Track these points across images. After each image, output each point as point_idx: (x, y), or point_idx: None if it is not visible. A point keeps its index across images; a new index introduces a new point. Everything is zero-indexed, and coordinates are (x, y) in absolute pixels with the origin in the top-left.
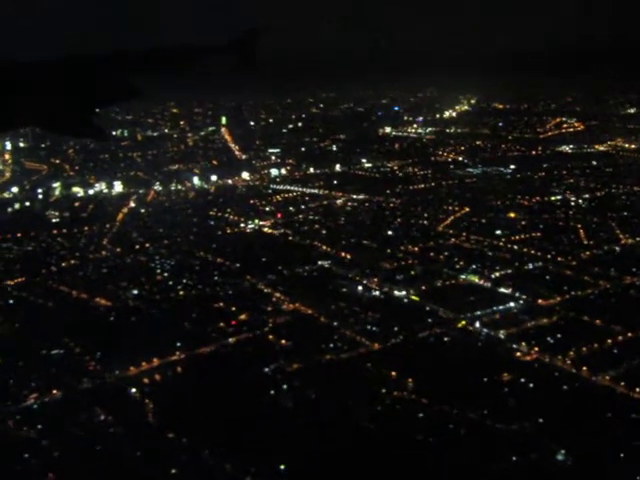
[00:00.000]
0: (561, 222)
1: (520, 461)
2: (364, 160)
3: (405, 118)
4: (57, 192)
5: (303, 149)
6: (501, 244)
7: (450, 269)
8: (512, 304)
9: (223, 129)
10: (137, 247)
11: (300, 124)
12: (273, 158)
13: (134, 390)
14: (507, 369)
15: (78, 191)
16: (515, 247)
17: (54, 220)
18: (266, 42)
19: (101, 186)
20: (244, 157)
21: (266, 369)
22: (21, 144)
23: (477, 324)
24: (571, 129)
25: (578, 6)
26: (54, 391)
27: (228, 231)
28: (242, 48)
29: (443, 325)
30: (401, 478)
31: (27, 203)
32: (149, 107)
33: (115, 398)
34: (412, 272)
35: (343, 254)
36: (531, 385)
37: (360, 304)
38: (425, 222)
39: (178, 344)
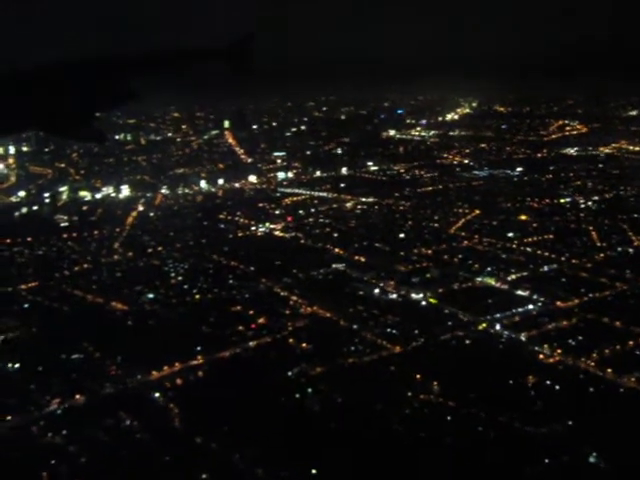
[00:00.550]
0: (572, 224)
1: (553, 464)
2: (370, 163)
3: (408, 121)
4: (64, 196)
5: (308, 152)
6: (514, 246)
7: (465, 272)
8: (531, 306)
9: (226, 133)
10: (149, 251)
11: (303, 127)
12: (279, 161)
13: (157, 395)
14: (531, 371)
15: (85, 195)
16: (528, 249)
17: (63, 224)
18: (263, 46)
19: (108, 190)
20: (249, 160)
21: (289, 373)
22: (24, 148)
23: (497, 327)
24: (574, 132)
25: (577, 7)
26: (77, 396)
27: (239, 234)
28: (240, 52)
29: (463, 328)
30: None
31: (35, 207)
32: (150, 111)
33: (139, 403)
34: (428, 275)
35: (357, 257)
36: (557, 387)
37: (378, 307)
38: (436, 225)
39: (198, 348)
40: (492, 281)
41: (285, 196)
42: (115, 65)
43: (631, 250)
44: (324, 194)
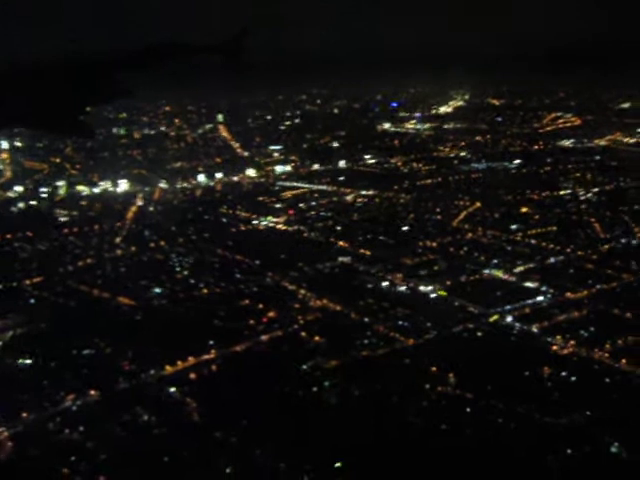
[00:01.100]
0: (574, 216)
1: (576, 454)
2: (367, 156)
3: (401, 114)
4: (62, 191)
5: (304, 146)
6: (518, 238)
7: (472, 264)
8: (540, 298)
9: (220, 127)
10: (152, 245)
11: (297, 121)
12: (275, 155)
13: (173, 389)
14: (546, 363)
15: (83, 190)
16: (533, 241)
17: (62, 219)
18: (254, 41)
19: (106, 184)
20: (246, 154)
21: (304, 366)
22: (18, 143)
23: (509, 318)
24: (568, 124)
25: (564, 2)
26: (91, 392)
27: (242, 228)
28: (231, 47)
29: (475, 320)
30: (457, 474)
31: (33, 202)
32: (141, 105)
33: (155, 398)
34: (435, 267)
35: (362, 250)
36: (573, 379)
37: (388, 300)
38: (438, 217)
39: (210, 342)
40: (499, 273)
41: (284, 189)
42: (105, 61)
43: (634, 242)
44: (323, 187)
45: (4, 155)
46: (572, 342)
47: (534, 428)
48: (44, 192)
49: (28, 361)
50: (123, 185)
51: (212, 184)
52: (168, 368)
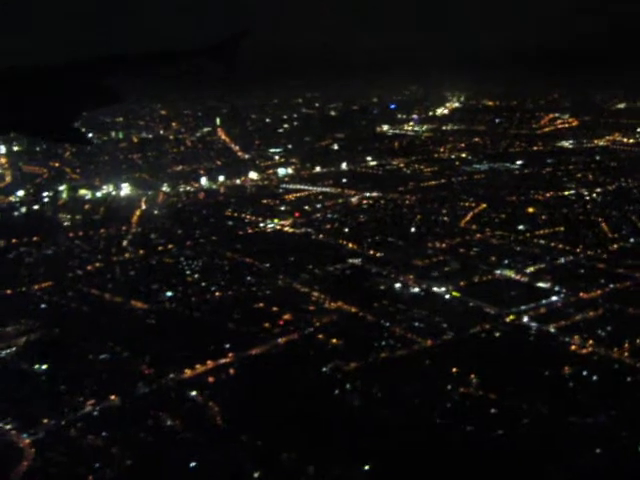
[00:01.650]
0: (581, 216)
1: (604, 454)
2: (369, 158)
3: (399, 116)
4: (64, 195)
5: (305, 148)
6: (527, 239)
7: (484, 264)
8: (554, 298)
9: (219, 130)
10: (160, 249)
11: (296, 124)
12: (276, 158)
13: (195, 393)
14: (566, 363)
15: (86, 194)
16: (542, 242)
17: (66, 223)
18: (249, 44)
19: (108, 188)
20: (246, 157)
21: (324, 369)
22: (15, 147)
23: (525, 319)
24: (566, 125)
25: (557, 4)
26: (111, 397)
27: (249, 231)
28: (223, 52)
29: (491, 320)
30: (487, 476)
31: (35, 206)
32: (135, 109)
33: (177, 402)
34: (447, 268)
35: (372, 252)
36: (594, 378)
37: (403, 301)
38: (445, 218)
39: (227, 346)
40: (511, 273)
41: (288, 192)
42: (99, 67)
43: None
44: (327, 189)
45: (2, 159)
46: (590, 341)
47: (561, 428)
48: (46, 196)
49: (44, 366)
50: (125, 189)
51: (215, 187)
52: (187, 372)
